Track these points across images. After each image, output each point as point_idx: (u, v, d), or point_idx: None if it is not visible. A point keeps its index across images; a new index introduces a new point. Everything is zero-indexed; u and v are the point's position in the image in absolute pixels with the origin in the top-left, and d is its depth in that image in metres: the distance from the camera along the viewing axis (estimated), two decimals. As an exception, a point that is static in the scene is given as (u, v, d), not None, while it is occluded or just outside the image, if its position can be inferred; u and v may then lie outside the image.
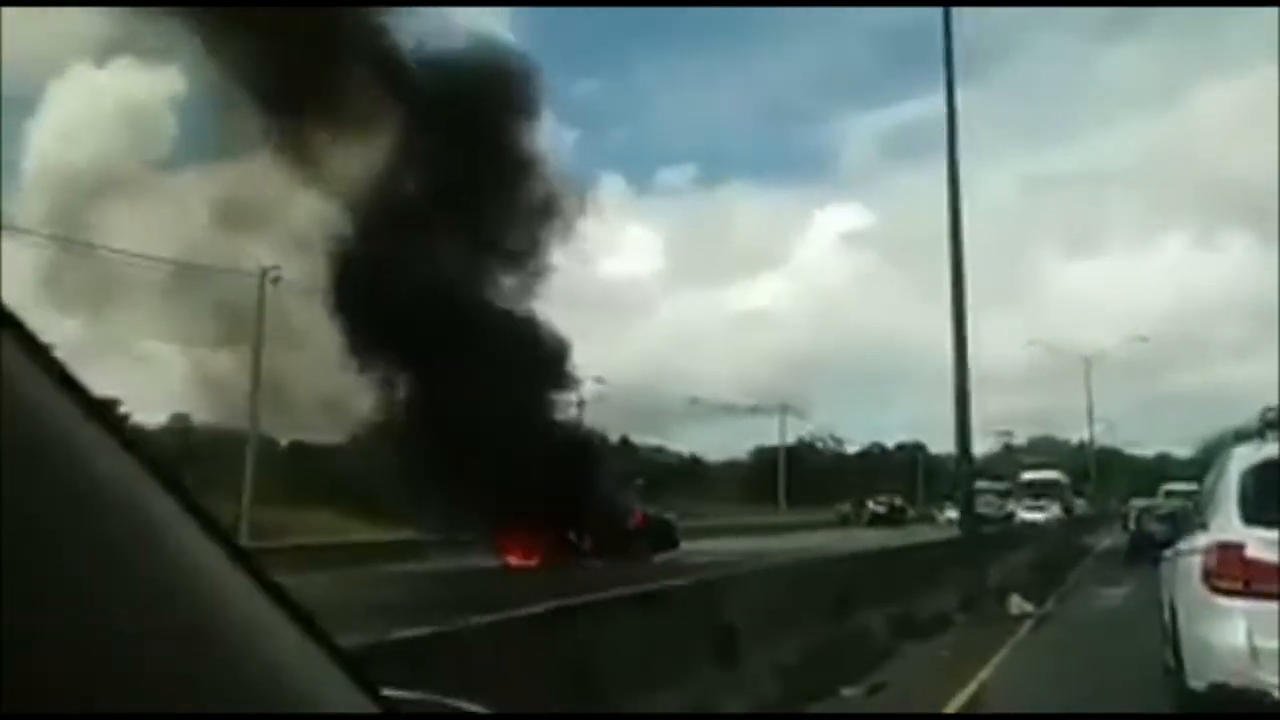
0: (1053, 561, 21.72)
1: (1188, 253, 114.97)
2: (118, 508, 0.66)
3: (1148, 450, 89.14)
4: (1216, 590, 6.00)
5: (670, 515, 28.29)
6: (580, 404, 58.52)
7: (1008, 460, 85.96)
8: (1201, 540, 6.57)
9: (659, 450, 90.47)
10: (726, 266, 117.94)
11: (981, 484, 65.83)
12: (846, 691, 8.44)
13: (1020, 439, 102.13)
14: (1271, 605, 5.65)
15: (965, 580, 15.34)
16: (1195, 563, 6.44)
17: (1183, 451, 65.81)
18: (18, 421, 0.60)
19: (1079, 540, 30.98)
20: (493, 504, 23.45)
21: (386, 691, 0.88)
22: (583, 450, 25.47)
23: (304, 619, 0.78)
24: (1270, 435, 7.71)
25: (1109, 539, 33.38)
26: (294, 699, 0.73)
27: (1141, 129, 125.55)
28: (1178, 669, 6.65)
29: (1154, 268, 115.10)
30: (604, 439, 28.04)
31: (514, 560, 23.66)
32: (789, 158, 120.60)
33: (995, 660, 10.68)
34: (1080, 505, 54.69)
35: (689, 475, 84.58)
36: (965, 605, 14.01)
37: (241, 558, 0.75)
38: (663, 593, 8.45)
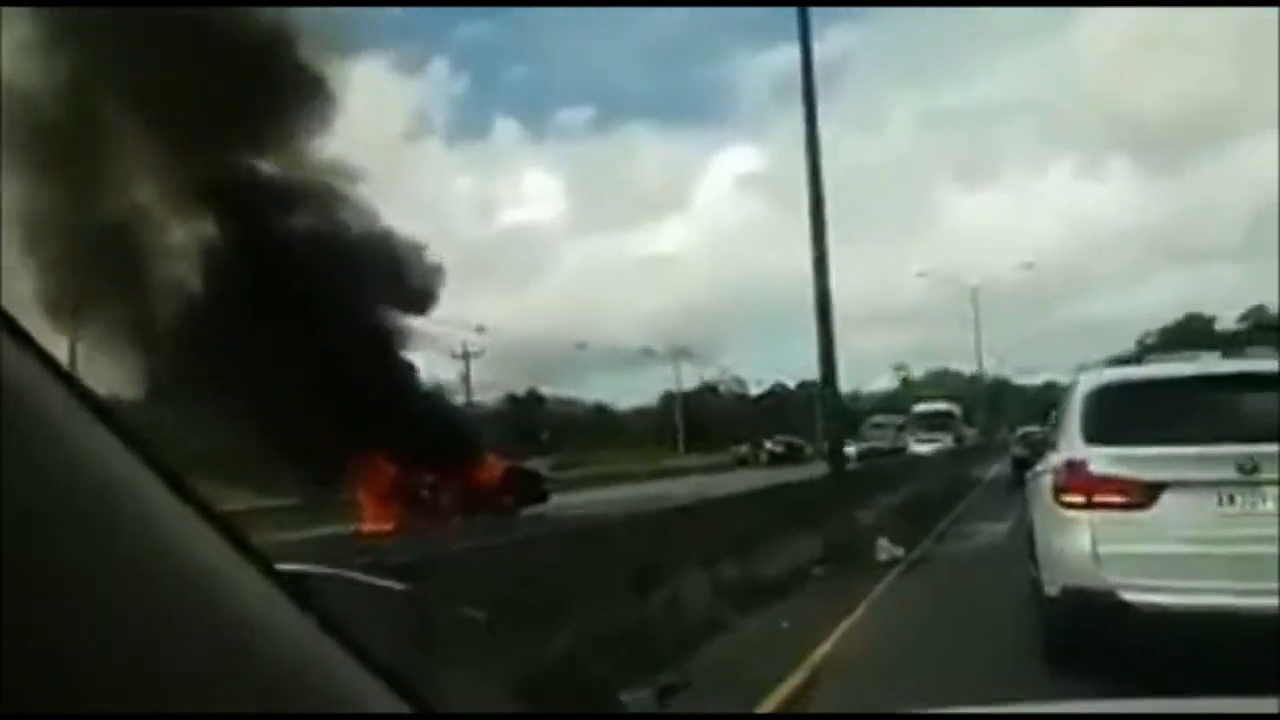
0: (935, 496, 19.89)
1: (1075, 184, 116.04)
2: (117, 504, 0.63)
3: (1038, 379, 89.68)
4: (1064, 504, 6.33)
5: (536, 466, 25.87)
6: (466, 355, 56.11)
7: (906, 394, 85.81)
8: (1053, 460, 6.90)
9: (570, 401, 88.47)
10: (628, 211, 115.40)
11: (877, 418, 65.31)
12: (626, 697, 6.14)
13: (918, 373, 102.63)
14: (1112, 515, 6.07)
15: (832, 524, 13.27)
16: (1047, 480, 6.82)
17: (1068, 379, 65.72)
18: (14, 419, 0.58)
19: (966, 471, 29.38)
20: (340, 462, 20.83)
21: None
22: (436, 402, 22.73)
23: (318, 613, 0.74)
24: (1147, 360, 8.04)
25: (998, 467, 31.89)
26: (313, 698, 0.70)
27: (1031, 62, 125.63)
28: (1038, 579, 6.98)
29: (1044, 200, 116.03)
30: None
31: (367, 526, 21.07)
32: (686, 100, 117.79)
33: (845, 625, 8.57)
34: (971, 435, 53.88)
35: (596, 424, 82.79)
36: (826, 554, 11.92)
37: (248, 551, 0.71)
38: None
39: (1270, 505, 5.82)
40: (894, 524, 14.81)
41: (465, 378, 54.96)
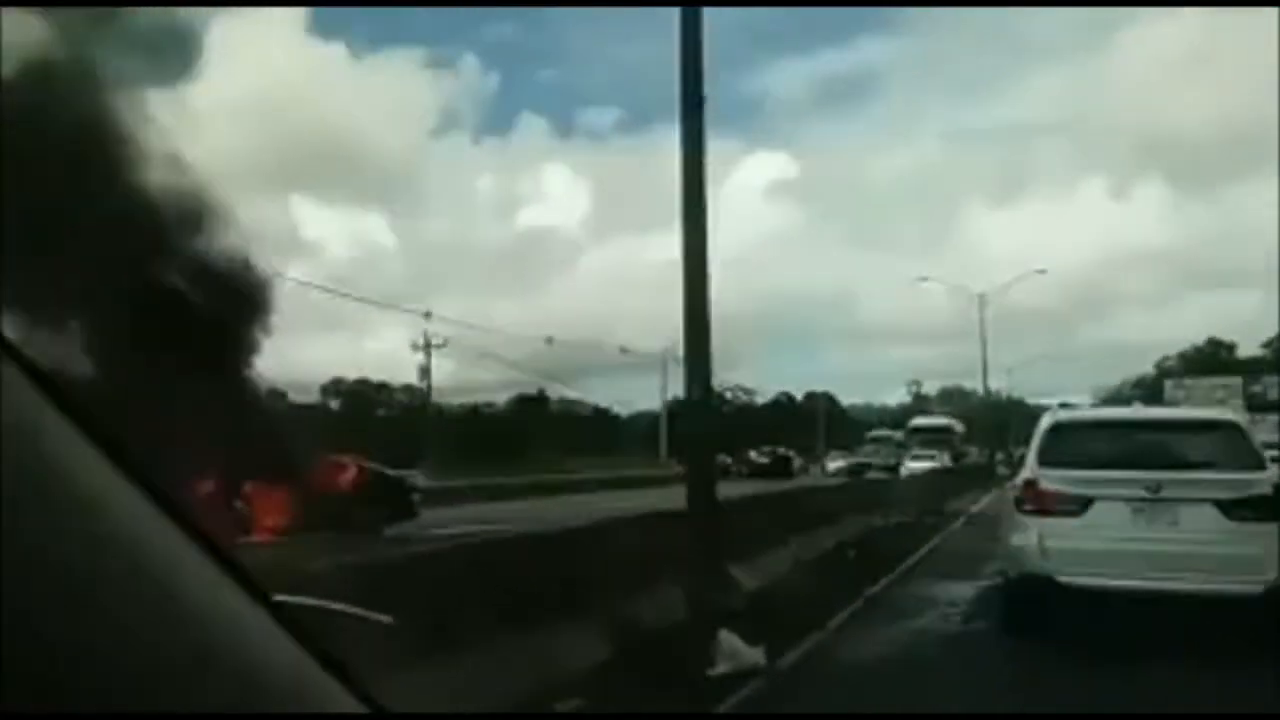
0: (888, 535, 14.01)
1: (1104, 204, 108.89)
2: (109, 520, 0.63)
3: (1052, 400, 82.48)
4: (1022, 511, 7.81)
5: (411, 474, 20.08)
6: (427, 346, 50.62)
7: (918, 410, 79.44)
8: (1020, 478, 8.30)
9: (574, 402, 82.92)
10: (649, 214, 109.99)
11: (877, 432, 59.09)
12: None
13: (932, 389, 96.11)
14: (1054, 520, 7.57)
15: (661, 593, 7.57)
16: (1013, 493, 8.42)
17: (1083, 401, 58.86)
18: (15, 440, 0.58)
19: (950, 499, 23.15)
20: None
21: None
22: (251, 399, 16.91)
23: (292, 624, 0.75)
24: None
25: (995, 494, 25.76)
26: (284, 700, 0.71)
27: (1066, 80, 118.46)
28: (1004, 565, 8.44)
29: (1072, 220, 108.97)
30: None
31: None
32: (714, 105, 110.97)
33: None
34: (974, 454, 47.47)
35: (595, 427, 77.23)
36: (614, 660, 6.20)
37: (230, 567, 0.71)
38: None
39: (1169, 516, 7.41)
40: (790, 590, 9.05)
41: (425, 370, 49.48)
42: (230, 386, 16.11)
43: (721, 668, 6.46)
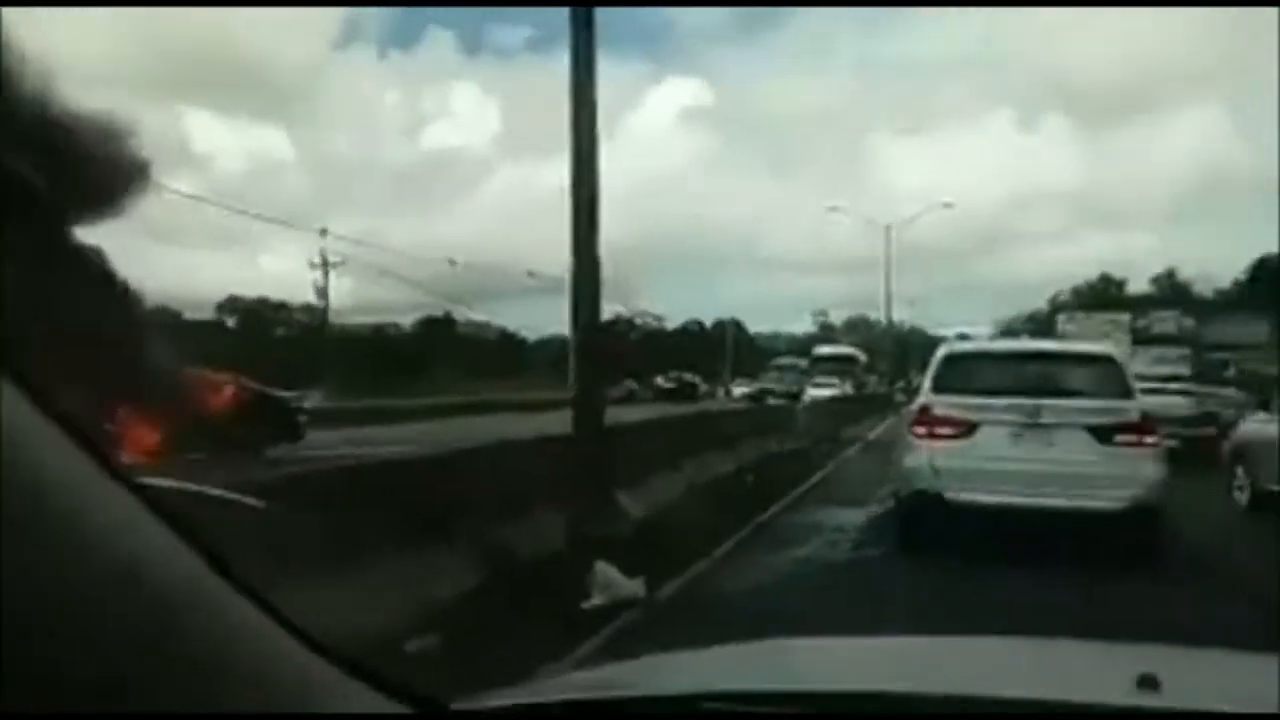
0: (784, 461, 14.01)
1: (1010, 142, 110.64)
2: (96, 523, 0.63)
3: (951, 332, 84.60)
4: (915, 435, 8.48)
5: (298, 395, 19.40)
6: (325, 264, 49.14)
7: (824, 339, 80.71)
8: (915, 404, 9.08)
9: (482, 325, 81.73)
10: (558, 137, 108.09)
11: (782, 360, 59.92)
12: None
13: (838, 319, 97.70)
14: (944, 442, 8.24)
15: (554, 518, 7.32)
16: (908, 416, 9.31)
17: (982, 332, 60.43)
18: (7, 447, 0.58)
19: (850, 424, 23.50)
20: None
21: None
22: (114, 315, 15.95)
23: (289, 623, 0.74)
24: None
25: (892, 420, 26.17)
26: (284, 700, 0.69)
27: (977, 16, 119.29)
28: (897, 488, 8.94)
29: (977, 155, 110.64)
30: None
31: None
32: (628, 28, 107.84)
33: None
34: (873, 383, 48.43)
35: (501, 351, 76.47)
36: (487, 590, 5.92)
37: (223, 568, 0.70)
38: None
39: (1045, 439, 8.08)
40: (679, 517, 8.88)
41: (322, 290, 47.98)
42: (88, 290, 15.05)
43: (597, 599, 6.24)
